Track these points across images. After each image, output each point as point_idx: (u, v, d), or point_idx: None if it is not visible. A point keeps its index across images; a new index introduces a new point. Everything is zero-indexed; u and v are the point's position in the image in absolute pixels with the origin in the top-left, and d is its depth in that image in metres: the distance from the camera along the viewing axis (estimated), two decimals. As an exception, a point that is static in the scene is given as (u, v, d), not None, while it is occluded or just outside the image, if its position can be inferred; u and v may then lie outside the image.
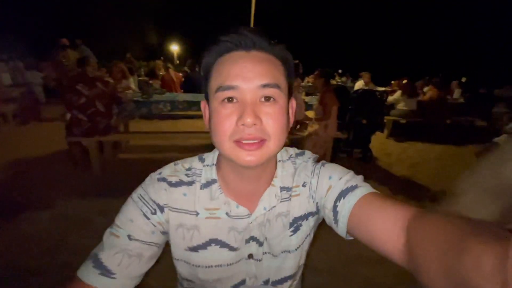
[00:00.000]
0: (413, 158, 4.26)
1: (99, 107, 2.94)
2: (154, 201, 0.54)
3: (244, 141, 0.47)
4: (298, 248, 0.62)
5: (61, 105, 3.27)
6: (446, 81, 6.44)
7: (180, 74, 7.49)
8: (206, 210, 0.56)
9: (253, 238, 0.59)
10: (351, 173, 0.57)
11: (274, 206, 0.58)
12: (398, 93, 5.35)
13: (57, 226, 2.14)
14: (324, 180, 0.58)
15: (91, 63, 3.00)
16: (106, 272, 0.48)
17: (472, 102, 6.04)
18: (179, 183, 0.57)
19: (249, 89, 0.47)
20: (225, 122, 0.47)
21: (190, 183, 0.57)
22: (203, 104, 0.58)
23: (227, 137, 0.47)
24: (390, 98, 5.42)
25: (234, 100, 0.48)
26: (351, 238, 0.53)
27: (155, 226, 0.54)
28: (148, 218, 0.53)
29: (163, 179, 0.56)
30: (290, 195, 0.60)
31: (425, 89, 6.08)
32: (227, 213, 0.56)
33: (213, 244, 0.57)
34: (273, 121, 0.48)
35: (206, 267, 0.58)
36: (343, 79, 10.10)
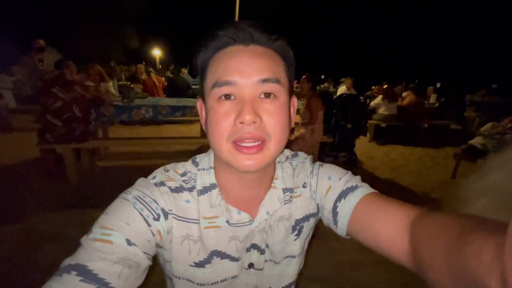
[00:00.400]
0: (395, 161, 4.39)
1: (76, 112, 2.76)
2: (158, 205, 0.47)
3: (243, 144, 0.43)
4: (301, 252, 0.60)
5: (33, 113, 3.05)
6: (422, 87, 6.75)
7: (163, 78, 7.31)
8: (204, 219, 0.51)
9: (254, 246, 0.55)
10: (350, 173, 0.58)
11: (277, 210, 0.55)
12: (379, 98, 5.53)
13: (28, 243, 1.95)
14: (323, 181, 0.57)
15: (70, 66, 2.83)
16: (103, 287, 0.38)
17: (446, 106, 6.38)
18: (180, 189, 0.51)
19: (247, 84, 0.44)
20: (223, 121, 0.44)
21: (191, 189, 0.52)
22: (199, 104, 0.54)
23: (224, 138, 0.44)
24: (372, 103, 5.60)
25: (232, 97, 0.44)
26: (349, 237, 0.52)
27: (153, 235, 0.46)
28: (149, 224, 0.45)
29: (162, 184, 0.50)
30: (291, 197, 0.57)
31: (404, 94, 6.33)
32: (227, 221, 0.52)
33: (215, 257, 0.52)
34: (274, 119, 0.45)
35: (212, 284, 0.53)
36: (326, 84, 10.33)
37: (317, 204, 0.59)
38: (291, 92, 0.51)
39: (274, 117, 0.44)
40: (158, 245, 0.49)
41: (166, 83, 6.70)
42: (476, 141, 3.45)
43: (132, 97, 3.40)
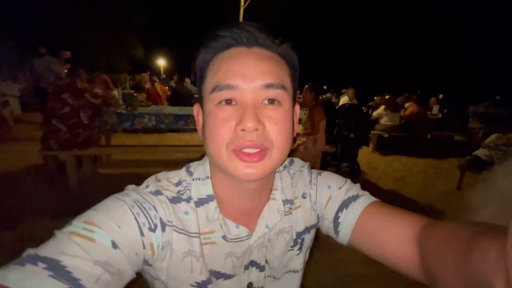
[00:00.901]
0: (398, 172, 4.33)
1: (83, 118, 2.80)
2: (157, 213, 0.42)
3: (244, 150, 0.40)
4: (303, 266, 0.57)
5: (38, 123, 3.09)
6: (424, 98, 6.76)
7: (167, 87, 7.40)
8: (201, 235, 0.46)
9: (253, 263, 0.51)
10: (349, 181, 0.56)
11: (276, 223, 0.52)
12: (381, 108, 5.53)
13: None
14: (323, 190, 0.55)
15: (81, 74, 2.91)
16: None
17: (450, 117, 6.35)
18: (178, 199, 0.46)
19: (250, 89, 0.41)
20: (222, 127, 0.41)
21: (188, 200, 0.47)
22: (196, 108, 0.51)
23: (224, 145, 0.41)
24: (374, 113, 5.60)
25: (233, 102, 0.41)
26: (348, 245, 0.51)
27: (144, 248, 0.40)
28: (142, 234, 0.40)
29: (158, 193, 0.45)
30: (291, 208, 0.54)
31: (406, 105, 6.33)
32: (224, 236, 0.47)
33: (212, 277, 0.47)
34: (277, 126, 0.42)
35: None
36: (328, 95, 10.38)
37: (318, 215, 0.56)
38: (294, 99, 0.48)
39: (277, 124, 0.42)
40: (146, 262, 0.42)
41: (169, 93, 6.78)
42: (481, 152, 3.42)
43: (135, 105, 3.43)
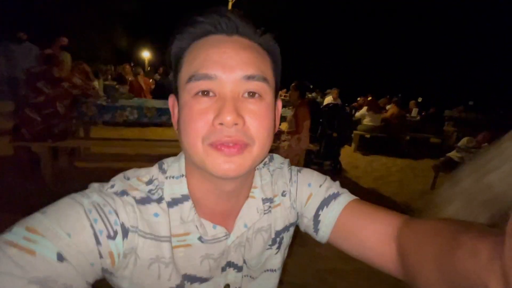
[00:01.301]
0: (378, 171, 4.49)
1: (59, 108, 2.65)
2: (118, 218, 0.38)
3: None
4: (282, 265, 0.56)
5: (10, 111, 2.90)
6: (404, 100, 7.03)
7: (151, 80, 7.19)
8: (174, 237, 0.43)
9: (230, 264, 0.49)
10: (328, 179, 0.56)
11: (255, 222, 0.50)
12: (364, 109, 5.69)
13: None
14: (303, 188, 0.54)
15: (60, 62, 2.74)
16: None
17: (426, 120, 6.65)
18: (147, 200, 0.42)
19: (230, 80, 0.38)
20: (198, 120, 0.38)
21: (159, 200, 0.43)
22: (171, 100, 0.47)
23: (199, 139, 0.38)
24: (357, 114, 5.75)
25: (211, 94, 0.39)
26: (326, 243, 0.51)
27: (101, 257, 0.35)
28: (98, 242, 0.35)
29: (124, 193, 0.41)
30: (270, 206, 0.52)
31: (387, 107, 6.56)
32: (200, 238, 0.44)
33: (186, 282, 0.45)
34: (258, 121, 0.39)
35: None
36: (314, 94, 10.53)
37: (297, 213, 0.55)
38: (276, 94, 0.46)
39: (258, 119, 0.39)
40: (106, 271, 0.38)
41: (153, 86, 6.60)
42: (454, 154, 3.62)
43: (116, 97, 3.31)
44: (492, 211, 0.45)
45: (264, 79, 0.40)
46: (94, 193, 0.39)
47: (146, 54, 20.19)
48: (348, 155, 5.14)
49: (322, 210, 0.50)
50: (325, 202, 0.50)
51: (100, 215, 0.36)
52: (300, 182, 0.55)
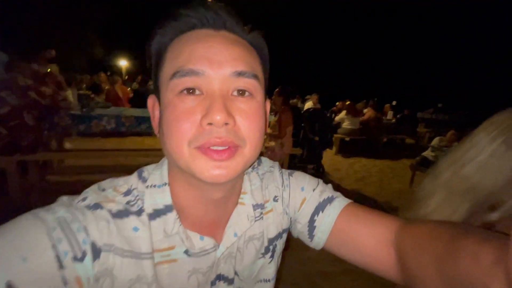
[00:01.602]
0: (359, 173, 4.63)
1: (27, 119, 2.48)
2: (87, 237, 0.33)
3: (211, 148, 0.35)
4: (276, 274, 0.53)
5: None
6: (380, 104, 7.36)
7: (129, 89, 6.98)
8: (157, 252, 0.39)
9: (220, 277, 0.45)
10: (321, 182, 0.54)
11: (246, 230, 0.47)
12: (343, 113, 5.88)
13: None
14: (296, 192, 0.52)
15: (24, 69, 2.57)
16: None
17: (401, 122, 6.99)
18: (125, 213, 0.38)
19: (218, 77, 0.35)
20: (184, 121, 0.34)
21: (139, 213, 0.39)
22: (151, 101, 0.43)
23: (185, 142, 0.35)
24: (337, 118, 5.94)
25: (197, 92, 0.36)
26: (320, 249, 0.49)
27: (65, 283, 0.30)
28: (61, 266, 0.30)
29: (98, 207, 0.36)
30: (262, 213, 0.49)
31: (364, 110, 6.83)
32: (186, 251, 0.40)
33: None
34: (249, 121, 0.37)
35: None
36: (295, 100, 10.74)
37: (290, 218, 0.53)
38: (266, 94, 0.43)
39: (250, 119, 0.37)
40: None
41: (132, 95, 6.41)
42: (428, 153, 3.83)
43: (92, 106, 3.18)
44: (471, 200, 0.47)
45: (255, 76, 0.38)
46: (61, 208, 0.34)
47: (123, 63, 19.69)
48: (329, 158, 5.26)
49: (317, 215, 0.48)
50: (320, 207, 0.48)
51: (65, 234, 0.32)
52: (293, 186, 0.52)
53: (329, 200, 0.49)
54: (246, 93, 0.37)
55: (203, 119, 0.34)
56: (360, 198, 3.48)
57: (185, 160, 0.35)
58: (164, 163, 0.44)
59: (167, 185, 0.41)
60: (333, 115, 6.47)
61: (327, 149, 4.46)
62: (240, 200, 0.46)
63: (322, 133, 4.18)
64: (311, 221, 0.48)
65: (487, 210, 0.46)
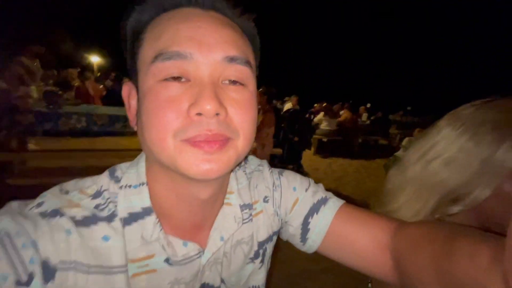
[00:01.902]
0: (337, 172, 4.77)
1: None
2: (37, 253, 0.28)
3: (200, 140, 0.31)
4: (266, 279, 0.50)
5: None
6: (355, 106, 7.69)
7: (101, 86, 6.59)
8: (132, 263, 0.34)
9: (205, 287, 0.41)
10: (312, 181, 0.52)
11: (233, 233, 0.43)
12: (321, 114, 6.04)
13: None
14: (288, 192, 0.49)
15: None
16: None
17: (375, 124, 7.34)
18: (92, 219, 0.33)
19: (208, 62, 0.31)
20: (168, 110, 0.30)
21: (110, 218, 0.34)
22: (126, 89, 0.38)
23: (170, 134, 0.30)
24: (315, 119, 6.09)
25: (183, 79, 0.31)
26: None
27: None
28: None
29: (56, 214, 0.31)
30: (251, 215, 0.45)
31: (341, 112, 7.08)
32: (167, 260, 0.36)
33: None
34: (242, 112, 0.33)
35: None
36: (274, 101, 10.84)
37: (281, 220, 0.50)
38: (257, 83, 0.40)
39: (242, 109, 0.33)
40: None
41: (104, 93, 6.06)
42: (400, 153, 4.04)
43: (60, 103, 2.96)
44: (440, 194, 0.48)
45: (247, 63, 0.34)
46: (6, 217, 0.28)
47: (95, 59, 18.65)
48: (308, 158, 5.36)
49: (311, 218, 0.45)
50: (314, 209, 0.46)
51: (6, 252, 0.26)
52: (284, 186, 0.49)
53: (323, 201, 0.47)
54: (237, 83, 0.34)
55: (191, 108, 0.30)
56: (339, 197, 3.58)
57: (169, 154, 0.31)
58: (141, 160, 0.39)
59: (145, 185, 0.37)
60: (312, 116, 6.63)
61: (306, 150, 4.56)
62: (226, 201, 0.43)
63: (302, 133, 4.26)
64: (305, 224, 0.46)
65: (450, 203, 0.47)
